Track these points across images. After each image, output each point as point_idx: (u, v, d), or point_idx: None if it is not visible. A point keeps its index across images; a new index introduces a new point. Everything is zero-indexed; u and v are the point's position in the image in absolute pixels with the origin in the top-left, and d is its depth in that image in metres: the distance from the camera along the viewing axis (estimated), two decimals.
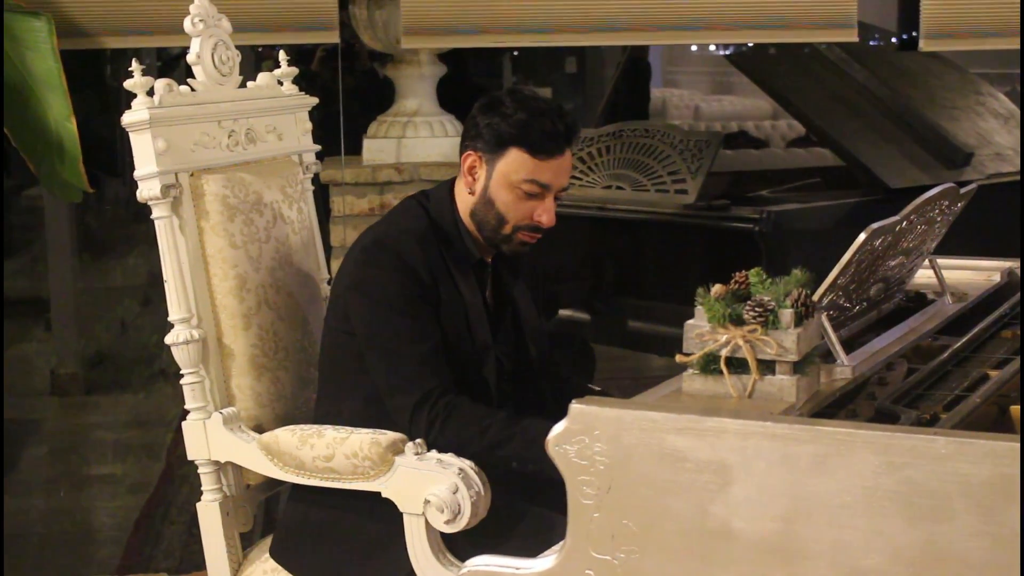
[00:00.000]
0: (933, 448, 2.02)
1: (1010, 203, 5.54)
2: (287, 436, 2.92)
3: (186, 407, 3.04)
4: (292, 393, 3.18)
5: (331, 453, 2.85)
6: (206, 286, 3.06)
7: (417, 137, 5.13)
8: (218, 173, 3.09)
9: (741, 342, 2.32)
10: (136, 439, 6.14)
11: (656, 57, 15.81)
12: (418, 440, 2.79)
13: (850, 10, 4.78)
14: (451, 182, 3.05)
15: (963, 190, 3.13)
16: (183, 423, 3.05)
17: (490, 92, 3.06)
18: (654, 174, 5.28)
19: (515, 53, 11.34)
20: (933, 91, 6.15)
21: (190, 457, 3.06)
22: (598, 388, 3.25)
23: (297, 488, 3.01)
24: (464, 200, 2.99)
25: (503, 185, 2.93)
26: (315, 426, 2.92)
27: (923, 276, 3.26)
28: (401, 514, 2.78)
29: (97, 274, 8.75)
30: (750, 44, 9.13)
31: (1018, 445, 2.00)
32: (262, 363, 3.11)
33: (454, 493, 2.72)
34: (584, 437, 2.14)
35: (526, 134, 2.90)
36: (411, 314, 2.88)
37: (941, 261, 3.28)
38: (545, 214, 2.94)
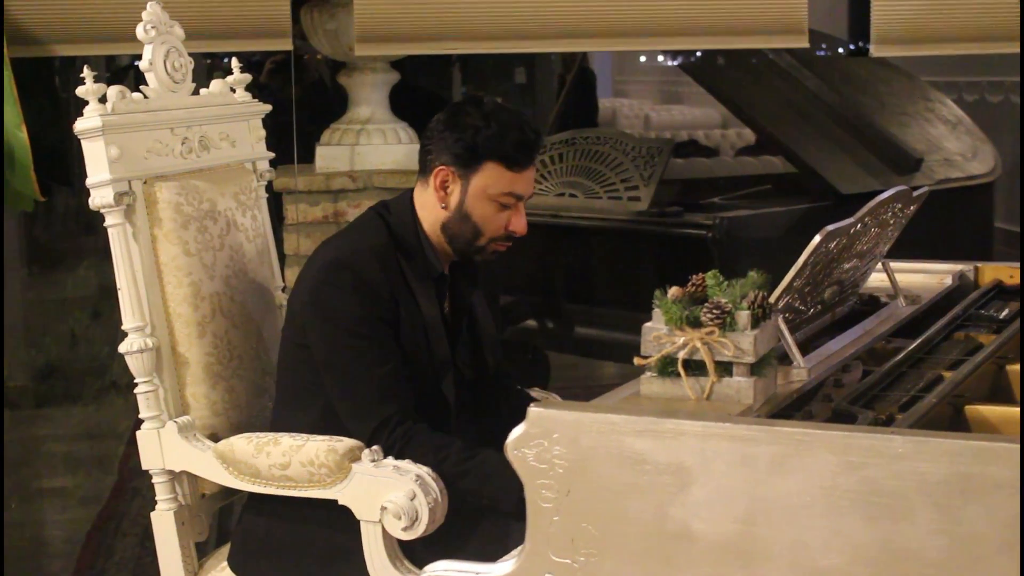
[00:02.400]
0: (891, 447, 2.03)
1: (959, 208, 5.59)
2: (243, 444, 2.90)
3: (140, 416, 3.02)
4: (247, 402, 3.16)
5: (287, 461, 2.83)
6: (160, 294, 3.04)
7: (371, 144, 5.12)
8: (171, 180, 3.07)
9: (699, 344, 2.32)
10: (87, 452, 6.09)
11: (605, 67, 15.86)
12: (375, 447, 2.78)
13: (800, 16, 4.81)
14: (411, 192, 3.04)
15: (915, 193, 3.15)
16: (137, 432, 3.02)
17: (446, 102, 3.05)
18: (607, 181, 5.30)
19: (464, 63, 11.35)
20: (883, 98, 6.20)
21: (144, 466, 3.04)
22: (553, 395, 3.25)
23: (254, 497, 3.00)
24: (433, 213, 2.97)
25: (480, 199, 2.92)
26: (271, 434, 2.91)
27: (876, 279, 3.28)
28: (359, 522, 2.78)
29: (47, 286, 8.68)
30: (699, 53, 9.16)
31: (976, 443, 2.02)
32: (217, 371, 3.09)
33: (411, 500, 2.71)
34: (543, 441, 2.14)
35: (500, 147, 2.90)
36: (370, 336, 2.87)
37: (894, 264, 3.29)
38: (518, 223, 2.95)
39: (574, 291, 5.39)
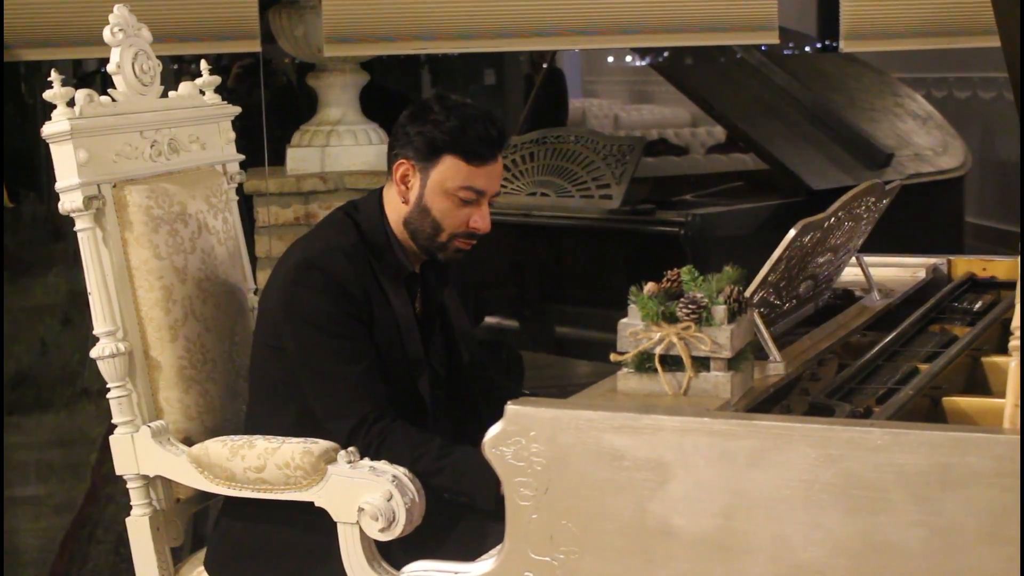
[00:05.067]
0: (869, 439, 2.03)
1: (930, 203, 5.60)
2: (217, 448, 2.88)
3: (113, 421, 3.00)
4: (221, 405, 3.14)
5: (262, 464, 2.81)
6: (131, 298, 3.01)
7: (341, 146, 5.10)
8: (141, 184, 3.05)
9: (675, 339, 2.31)
10: (59, 459, 6.05)
11: (574, 67, 15.87)
12: (351, 448, 2.76)
13: (771, 12, 4.81)
14: (379, 192, 3.02)
15: (888, 187, 3.15)
16: (110, 437, 3.00)
17: (414, 100, 3.04)
18: (578, 180, 5.29)
19: (434, 64, 11.34)
20: (852, 94, 6.21)
21: (118, 472, 3.01)
22: (528, 392, 3.23)
23: (230, 500, 2.98)
24: (397, 209, 2.96)
25: (438, 193, 2.91)
26: (246, 436, 2.89)
27: (850, 273, 3.28)
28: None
29: (16, 293, 8.62)
30: (667, 52, 9.17)
31: (955, 434, 2.01)
32: (190, 375, 3.07)
33: (388, 500, 2.69)
34: (520, 438, 2.13)
35: (460, 141, 2.88)
36: (343, 335, 2.85)
37: (867, 259, 3.29)
38: (481, 220, 2.93)
39: (548, 290, 5.39)
